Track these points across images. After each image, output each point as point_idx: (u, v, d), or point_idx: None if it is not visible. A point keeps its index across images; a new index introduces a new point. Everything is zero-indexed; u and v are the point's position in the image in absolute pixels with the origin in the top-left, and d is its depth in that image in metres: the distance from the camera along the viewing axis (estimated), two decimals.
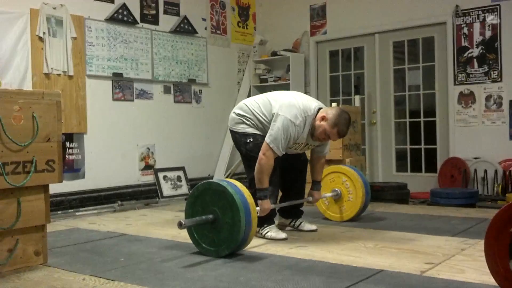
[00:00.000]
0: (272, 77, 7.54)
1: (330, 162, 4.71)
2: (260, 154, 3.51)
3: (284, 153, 3.64)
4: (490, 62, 6.02)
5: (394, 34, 6.82)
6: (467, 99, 6.20)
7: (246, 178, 3.93)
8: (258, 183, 3.53)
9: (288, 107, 3.57)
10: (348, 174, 4.32)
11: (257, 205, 3.46)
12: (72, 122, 5.56)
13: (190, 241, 3.35)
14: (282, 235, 3.69)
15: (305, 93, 7.34)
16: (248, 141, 3.69)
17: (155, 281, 2.71)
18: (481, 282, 2.52)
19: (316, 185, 4.02)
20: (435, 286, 2.51)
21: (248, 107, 3.77)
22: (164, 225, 4.46)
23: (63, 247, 3.62)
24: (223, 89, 7.32)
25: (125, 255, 3.33)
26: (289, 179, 3.94)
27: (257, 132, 3.69)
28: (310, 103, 3.67)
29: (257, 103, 3.75)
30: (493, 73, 6.00)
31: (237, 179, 3.58)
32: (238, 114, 3.78)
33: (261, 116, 3.68)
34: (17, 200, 2.97)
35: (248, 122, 3.73)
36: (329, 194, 4.32)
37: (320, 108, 3.65)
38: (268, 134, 3.53)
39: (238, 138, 3.78)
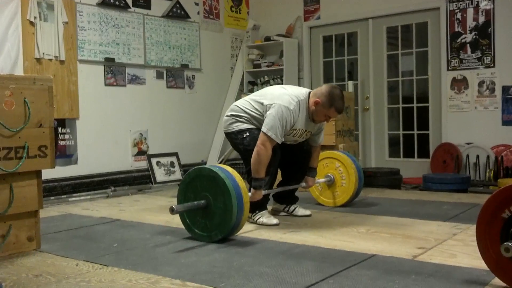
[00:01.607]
0: (266, 62, 7.52)
1: (323, 147, 4.70)
2: (258, 143, 3.49)
3: (284, 141, 3.67)
4: (483, 48, 6.02)
5: (387, 20, 6.80)
6: (460, 84, 6.20)
7: (241, 165, 3.94)
8: (255, 173, 3.52)
9: (279, 96, 3.62)
10: (342, 160, 4.33)
11: (249, 191, 3.47)
12: (64, 108, 5.52)
13: (183, 226, 3.36)
14: (274, 220, 3.70)
15: (299, 78, 7.39)
16: (244, 136, 3.68)
17: (149, 267, 2.71)
18: (472, 267, 2.55)
19: (312, 171, 4.04)
20: (427, 270, 2.53)
21: (239, 107, 3.79)
22: (157, 211, 4.46)
23: (56, 233, 3.62)
24: (216, 74, 7.29)
25: (118, 241, 3.33)
26: (290, 168, 3.96)
27: (252, 126, 3.69)
28: (300, 89, 3.76)
29: (247, 101, 3.78)
30: (486, 58, 6.00)
31: (230, 165, 3.59)
32: (231, 115, 3.79)
33: (253, 112, 3.70)
34: (9, 186, 2.96)
35: (241, 120, 3.74)
36: (322, 180, 4.33)
37: (310, 92, 3.70)
38: (264, 124, 3.53)
39: (234, 137, 3.76)
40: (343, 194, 4.33)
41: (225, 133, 3.88)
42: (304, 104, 3.64)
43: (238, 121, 3.74)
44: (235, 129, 3.74)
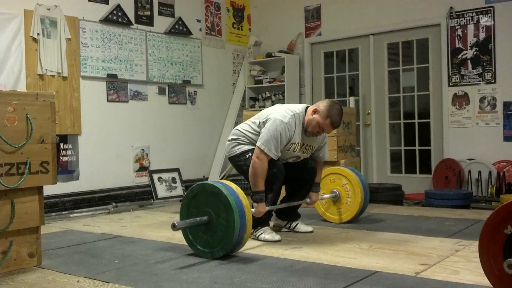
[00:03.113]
0: (267, 78, 7.55)
1: (325, 163, 4.71)
2: (253, 157, 3.52)
3: (286, 158, 3.70)
4: (484, 64, 6.05)
5: (388, 36, 6.84)
6: (461, 100, 6.22)
7: (243, 181, 3.94)
8: (254, 187, 3.53)
9: (274, 111, 3.70)
10: (349, 178, 4.29)
11: (252, 207, 3.46)
12: (66, 124, 5.54)
13: (185, 242, 3.34)
14: (276, 237, 3.69)
15: (300, 94, 7.42)
16: (247, 156, 3.70)
17: (150, 283, 2.70)
18: (475, 283, 2.53)
19: (316, 186, 4.04)
20: (429, 287, 2.51)
21: (239, 130, 3.84)
22: (158, 227, 4.45)
23: (57, 249, 3.61)
24: (218, 90, 7.32)
25: (119, 257, 3.32)
26: (294, 185, 3.96)
27: (253, 147, 3.69)
28: (297, 105, 3.80)
29: (247, 124, 3.84)
30: (487, 74, 6.02)
31: (232, 181, 3.58)
32: (232, 139, 3.84)
33: (252, 133, 3.74)
34: (11, 202, 2.96)
35: (242, 142, 3.77)
36: (327, 196, 4.31)
37: (307, 107, 3.74)
38: (259, 139, 3.56)
39: (237, 160, 3.78)
40: (346, 212, 4.31)
41: (228, 158, 3.89)
42: (300, 118, 3.67)
43: (239, 143, 3.77)
44: (237, 152, 3.76)
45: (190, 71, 6.89)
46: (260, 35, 7.90)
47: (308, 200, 4.03)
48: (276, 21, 7.74)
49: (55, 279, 2.83)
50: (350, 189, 4.28)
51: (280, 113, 3.63)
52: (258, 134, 3.67)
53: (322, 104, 3.64)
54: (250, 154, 3.67)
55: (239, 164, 3.78)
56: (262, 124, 3.65)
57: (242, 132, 3.80)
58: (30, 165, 3.00)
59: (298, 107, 3.73)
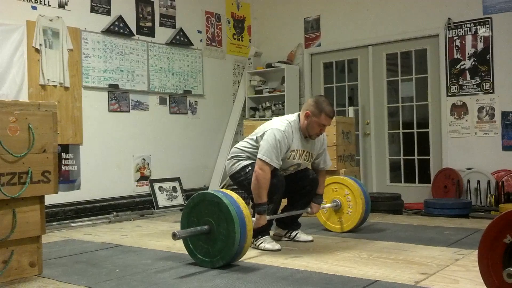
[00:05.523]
0: (267, 88, 7.58)
1: (326, 173, 4.72)
2: (256, 169, 3.53)
3: (287, 167, 3.73)
4: (482, 74, 6.08)
5: (387, 47, 6.88)
6: (459, 110, 6.25)
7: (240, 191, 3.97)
8: (257, 198, 3.54)
9: (270, 123, 3.76)
10: (352, 188, 4.30)
11: (253, 217, 3.48)
12: (68, 133, 5.56)
13: (185, 252, 3.35)
14: (276, 246, 3.70)
15: (300, 104, 7.45)
16: (247, 170, 3.72)
17: None
18: None
19: (318, 198, 4.05)
20: None
21: (237, 148, 3.89)
22: (159, 236, 4.46)
23: (58, 258, 3.62)
24: (219, 100, 7.35)
25: (120, 266, 3.33)
26: (296, 194, 3.98)
27: (253, 161, 3.72)
28: (289, 115, 3.87)
29: (245, 141, 3.89)
30: (485, 84, 6.06)
31: (233, 190, 3.60)
32: (231, 158, 3.87)
33: (251, 148, 3.78)
34: (12, 211, 2.97)
35: (241, 158, 3.81)
36: (329, 205, 4.33)
37: (299, 114, 3.80)
38: (259, 151, 3.59)
39: (238, 176, 3.79)
40: (347, 222, 4.32)
41: (230, 177, 3.90)
42: (296, 125, 3.73)
43: (239, 160, 3.80)
44: (237, 168, 3.78)
45: (191, 81, 6.93)
46: (260, 45, 7.95)
47: (309, 209, 4.04)
48: (276, 32, 7.79)
49: None
50: (352, 199, 4.29)
51: (275, 124, 3.69)
52: (257, 148, 3.69)
53: (309, 106, 3.70)
54: (250, 168, 3.69)
55: (240, 180, 3.79)
56: (260, 138, 3.68)
57: (240, 149, 3.83)
58: (31, 175, 3.01)
59: (291, 116, 3.81)
